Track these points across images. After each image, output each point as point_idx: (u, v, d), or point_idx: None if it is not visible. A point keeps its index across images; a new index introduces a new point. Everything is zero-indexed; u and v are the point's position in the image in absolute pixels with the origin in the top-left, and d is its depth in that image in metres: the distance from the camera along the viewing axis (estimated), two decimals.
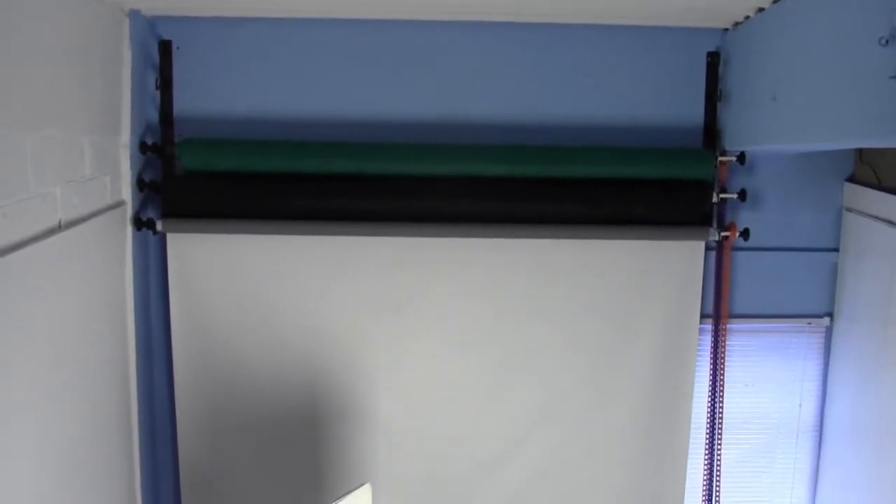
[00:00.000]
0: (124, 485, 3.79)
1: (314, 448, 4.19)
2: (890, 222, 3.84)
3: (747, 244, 4.16)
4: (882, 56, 2.45)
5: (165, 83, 3.97)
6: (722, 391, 4.34)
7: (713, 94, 4.09)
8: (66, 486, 3.02)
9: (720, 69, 4.08)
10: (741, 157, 3.99)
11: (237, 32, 4.01)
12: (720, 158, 4.03)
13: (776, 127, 3.44)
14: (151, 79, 3.97)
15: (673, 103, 4.13)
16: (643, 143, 4.08)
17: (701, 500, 4.45)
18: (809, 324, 4.40)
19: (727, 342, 4.33)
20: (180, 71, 4.00)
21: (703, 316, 4.24)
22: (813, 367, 4.45)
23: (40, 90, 2.81)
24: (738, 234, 4.11)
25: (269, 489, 4.22)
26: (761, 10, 3.63)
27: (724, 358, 4.32)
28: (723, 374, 4.33)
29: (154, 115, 4.00)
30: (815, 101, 3.04)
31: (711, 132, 4.11)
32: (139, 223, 3.87)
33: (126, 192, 3.79)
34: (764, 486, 4.58)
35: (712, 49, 4.09)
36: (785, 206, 4.27)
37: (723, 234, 4.11)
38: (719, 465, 4.39)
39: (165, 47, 3.96)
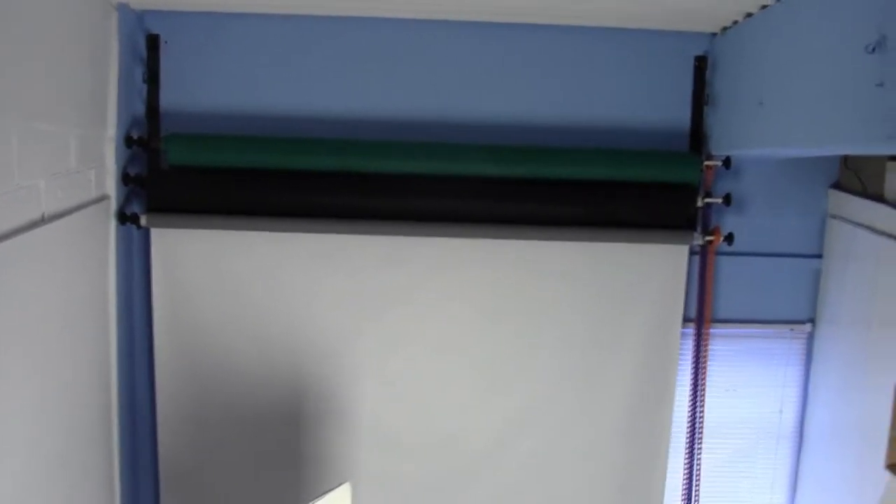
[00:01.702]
0: (103, 479, 3.77)
1: (297, 446, 4.19)
2: (873, 229, 3.85)
3: (731, 249, 4.18)
4: (869, 63, 2.46)
5: (153, 77, 3.96)
6: (703, 396, 4.35)
7: (700, 98, 4.11)
8: (44, 480, 3.00)
9: (707, 73, 4.09)
10: (727, 162, 4.01)
11: (226, 28, 4.01)
12: (706, 162, 4.06)
13: (762, 132, 3.45)
14: (139, 73, 3.96)
15: (660, 106, 4.14)
16: (630, 146, 4.09)
17: (680, 503, 4.46)
18: (792, 329, 4.41)
19: (709, 347, 4.34)
20: (168, 65, 3.99)
21: (685, 320, 4.26)
22: (794, 373, 4.47)
23: (27, 82, 2.79)
24: (722, 238, 4.12)
25: (249, 486, 4.21)
26: (749, 15, 3.65)
27: (705, 362, 4.33)
28: (704, 379, 4.34)
29: (141, 109, 3.98)
30: (802, 107, 3.05)
31: (698, 136, 4.12)
32: (123, 217, 3.85)
33: (111, 185, 3.77)
34: (744, 490, 4.59)
35: (700, 53, 4.10)
36: (769, 211, 4.29)
37: (707, 238, 4.12)
38: (699, 470, 4.41)
39: (153, 41, 3.94)
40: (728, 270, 4.32)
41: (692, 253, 4.22)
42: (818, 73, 2.91)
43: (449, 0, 3.78)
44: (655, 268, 4.15)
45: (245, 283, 4.08)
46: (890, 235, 3.73)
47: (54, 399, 3.09)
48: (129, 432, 4.10)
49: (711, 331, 4.35)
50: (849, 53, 2.61)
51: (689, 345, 4.34)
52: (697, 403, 4.36)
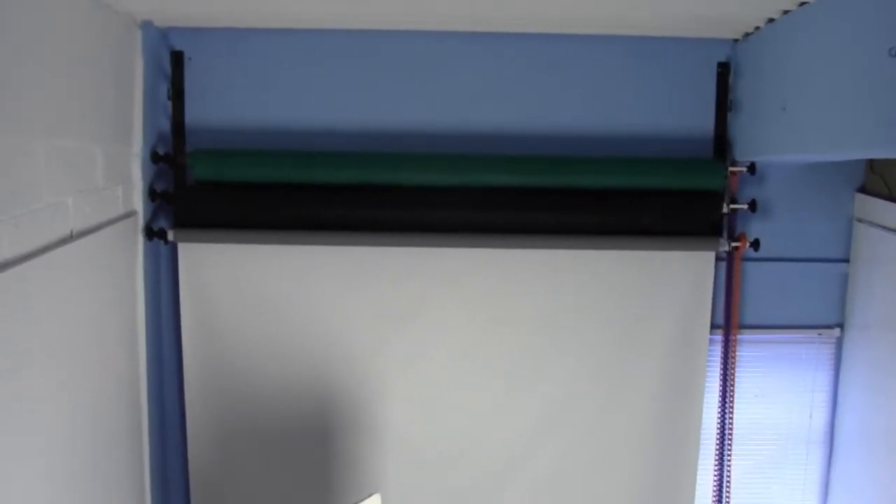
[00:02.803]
0: (134, 492, 3.79)
1: (324, 457, 4.20)
2: None
3: (758, 255, 4.16)
4: (892, 66, 2.45)
5: (177, 93, 3.99)
6: (732, 402, 4.33)
7: (723, 105, 4.10)
8: (76, 493, 3.02)
9: (730, 79, 4.08)
10: (751, 168, 4.00)
11: (249, 43, 4.03)
12: (730, 169, 4.04)
13: (786, 137, 3.44)
14: (164, 89, 3.99)
15: (683, 113, 4.13)
16: (653, 154, 4.08)
17: None
18: (820, 334, 4.38)
19: (737, 353, 4.32)
20: (192, 81, 4.02)
21: (713, 326, 4.24)
22: (823, 378, 4.44)
23: (53, 99, 2.82)
24: (748, 244, 4.10)
25: (278, 499, 4.22)
26: (772, 20, 3.63)
27: (734, 368, 4.31)
28: (733, 385, 4.32)
29: (166, 126, 4.02)
30: (826, 112, 3.04)
31: (722, 142, 4.11)
32: (150, 233, 3.88)
33: (138, 201, 3.80)
34: (774, 497, 4.56)
35: (723, 59, 4.09)
36: (795, 216, 4.26)
37: (733, 244, 4.10)
38: (729, 476, 4.38)
39: (178, 58, 3.98)
40: (755, 276, 4.30)
41: (718, 259, 4.20)
42: (841, 77, 2.91)
43: (468, 12, 3.78)
44: (682, 275, 4.14)
45: (271, 296, 4.10)
46: None
47: (85, 413, 3.12)
48: (160, 445, 4.12)
49: (739, 337, 4.32)
50: (871, 57, 2.60)
51: (717, 351, 4.33)
52: (726, 410, 4.34)
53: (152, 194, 3.91)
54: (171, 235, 3.92)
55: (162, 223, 4.01)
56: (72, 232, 2.98)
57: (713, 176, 3.98)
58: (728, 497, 4.40)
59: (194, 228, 3.95)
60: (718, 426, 4.36)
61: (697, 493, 4.35)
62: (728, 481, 4.39)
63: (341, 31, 4.02)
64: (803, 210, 4.27)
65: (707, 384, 4.28)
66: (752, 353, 4.39)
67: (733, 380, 4.32)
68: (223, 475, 4.21)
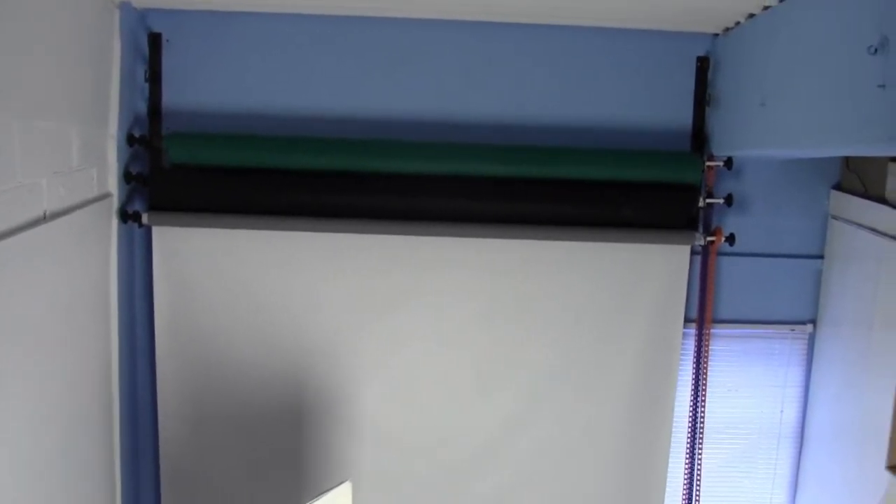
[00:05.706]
0: (104, 476, 3.77)
1: (298, 444, 4.19)
2: (875, 230, 3.85)
3: (733, 249, 4.18)
4: (871, 64, 2.46)
5: (154, 76, 3.96)
6: (704, 396, 4.35)
7: (702, 99, 4.11)
8: (45, 475, 3.00)
9: (710, 74, 4.09)
10: (728, 162, 4.01)
11: (228, 27, 4.00)
12: (707, 163, 4.06)
13: (764, 133, 3.45)
14: (141, 71, 3.96)
15: (662, 107, 4.14)
16: (631, 146, 4.08)
17: (681, 503, 4.46)
18: (793, 330, 4.41)
19: (710, 347, 4.34)
20: (170, 64, 3.99)
21: (687, 320, 4.26)
22: (795, 374, 4.47)
23: (29, 80, 2.79)
24: (723, 239, 4.12)
25: (250, 485, 4.21)
26: (752, 16, 3.65)
27: (707, 363, 4.33)
28: (705, 379, 4.34)
29: (142, 108, 3.98)
30: (804, 108, 3.05)
31: (699, 136, 4.12)
32: (125, 216, 3.86)
33: (112, 184, 3.77)
34: (744, 491, 4.58)
35: (702, 54, 4.10)
36: (771, 212, 4.28)
37: (709, 238, 4.12)
38: (700, 470, 4.40)
39: (155, 40, 3.95)
40: (729, 271, 4.32)
41: (694, 253, 4.22)
42: (820, 73, 2.92)
43: (449, 0, 3.78)
44: (657, 268, 4.15)
45: (246, 282, 4.08)
46: (891, 236, 3.73)
47: (55, 397, 3.09)
48: (131, 430, 4.10)
49: (713, 331, 4.34)
50: (851, 54, 2.61)
51: (691, 345, 4.34)
52: (698, 404, 4.36)
53: (127, 177, 3.89)
54: (145, 218, 3.90)
55: (137, 206, 3.98)
56: (45, 213, 2.95)
57: (690, 170, 4.00)
58: (699, 490, 4.43)
59: (169, 212, 3.93)
60: (690, 419, 4.38)
61: (668, 485, 4.37)
62: (699, 474, 4.41)
63: (322, 17, 4.00)
64: (779, 206, 4.29)
65: (679, 378, 4.29)
66: (725, 348, 4.41)
67: (706, 374, 4.34)
68: (194, 460, 4.19)
